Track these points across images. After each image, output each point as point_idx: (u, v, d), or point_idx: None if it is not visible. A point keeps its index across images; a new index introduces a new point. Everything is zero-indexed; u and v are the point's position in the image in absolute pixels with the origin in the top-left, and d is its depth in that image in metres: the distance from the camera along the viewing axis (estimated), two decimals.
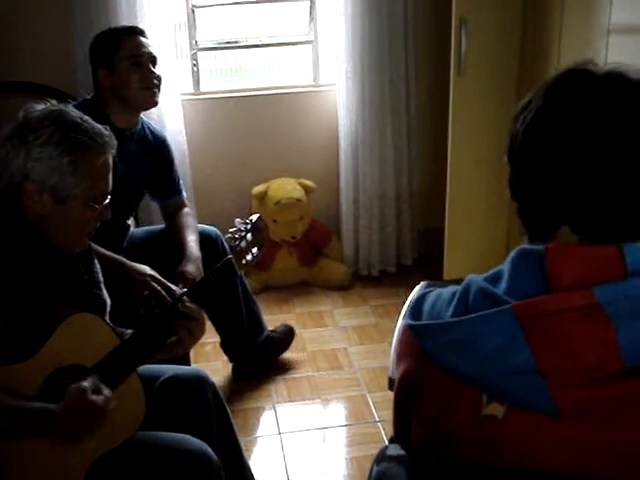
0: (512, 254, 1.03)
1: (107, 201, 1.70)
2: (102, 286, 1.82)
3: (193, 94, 3.84)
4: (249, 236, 1.94)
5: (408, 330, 1.07)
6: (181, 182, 2.90)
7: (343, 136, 3.72)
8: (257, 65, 4.01)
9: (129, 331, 1.81)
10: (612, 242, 0.98)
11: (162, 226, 2.89)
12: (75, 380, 1.52)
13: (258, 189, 3.75)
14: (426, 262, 3.92)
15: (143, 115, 2.71)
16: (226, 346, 3.05)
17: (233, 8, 3.84)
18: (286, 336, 3.17)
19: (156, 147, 2.75)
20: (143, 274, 2.39)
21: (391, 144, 3.72)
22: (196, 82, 3.84)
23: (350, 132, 3.70)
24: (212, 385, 1.96)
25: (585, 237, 1.01)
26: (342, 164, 3.78)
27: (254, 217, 2.00)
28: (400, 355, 1.13)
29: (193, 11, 3.73)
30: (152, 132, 2.75)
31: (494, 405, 0.98)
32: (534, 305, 0.96)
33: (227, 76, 3.99)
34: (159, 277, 2.40)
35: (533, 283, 0.98)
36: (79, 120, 1.64)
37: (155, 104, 2.62)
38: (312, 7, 3.80)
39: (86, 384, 1.50)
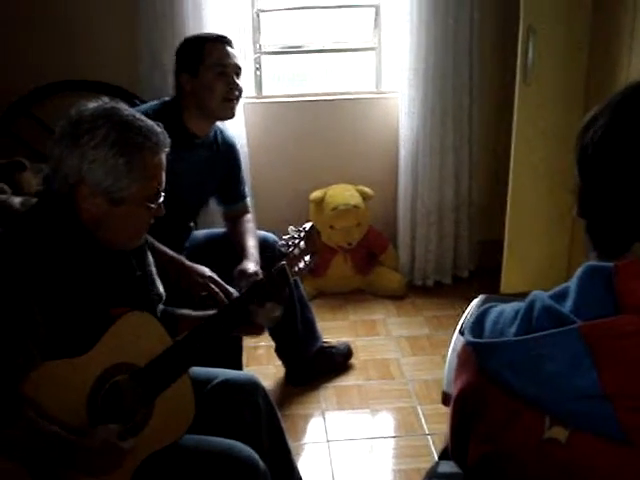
0: (579, 271, 0.99)
1: (162, 199, 1.68)
2: (156, 279, 1.83)
3: (255, 98, 3.85)
4: (302, 244, 1.93)
5: (469, 347, 1.04)
6: (247, 188, 2.90)
7: (403, 143, 3.69)
8: (319, 70, 4.00)
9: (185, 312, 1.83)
10: None
11: (223, 230, 2.90)
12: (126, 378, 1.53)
13: (316, 194, 3.74)
14: (483, 275, 3.85)
15: None
16: (280, 352, 3.05)
17: (298, 13, 3.84)
18: (343, 355, 3.15)
19: (226, 153, 2.76)
20: (202, 275, 2.41)
21: (452, 152, 3.67)
22: (258, 86, 3.85)
23: (411, 140, 3.67)
24: (263, 390, 1.95)
25: None
26: (401, 172, 3.75)
27: (307, 225, 1.99)
28: (459, 370, 1.09)
29: (258, 15, 3.74)
30: (223, 137, 2.76)
31: (557, 429, 0.94)
32: (601, 326, 0.91)
33: (289, 81, 3.99)
34: (217, 279, 2.41)
35: (601, 302, 0.94)
36: (133, 118, 1.61)
37: (232, 116, 2.62)
38: (377, 14, 3.78)
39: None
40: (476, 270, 3.95)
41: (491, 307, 1.08)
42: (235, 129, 3.61)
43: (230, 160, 2.77)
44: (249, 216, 2.84)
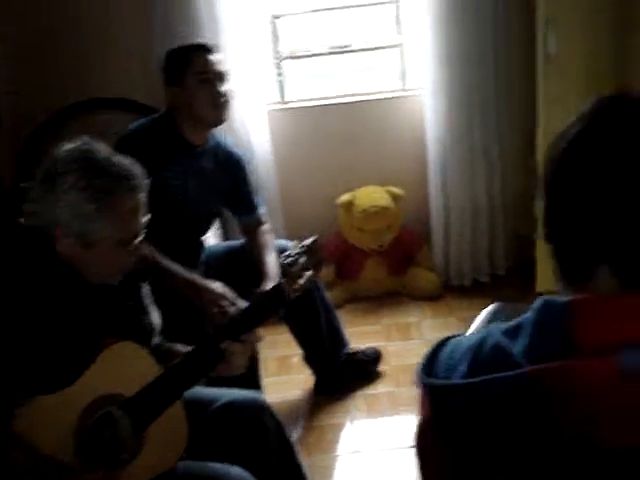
0: (535, 304, 0.91)
1: (139, 240, 1.66)
2: (150, 309, 1.81)
3: (279, 103, 3.83)
4: (302, 259, 1.89)
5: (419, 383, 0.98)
6: (259, 199, 2.87)
7: (431, 141, 3.61)
8: (343, 72, 3.95)
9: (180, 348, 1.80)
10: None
11: (241, 241, 2.88)
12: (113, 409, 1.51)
13: (343, 198, 3.69)
14: (521, 271, 3.73)
15: (227, 130, 2.70)
16: (308, 360, 3.02)
17: (316, 15, 3.79)
18: (372, 361, 3.10)
19: (231, 164, 2.74)
20: (213, 293, 2.38)
21: (480, 148, 3.57)
22: (281, 91, 3.83)
23: (438, 137, 3.58)
24: (270, 410, 1.92)
25: (626, 281, 0.88)
26: (431, 170, 3.67)
27: (308, 240, 1.95)
28: (420, 401, 1.04)
29: (275, 20, 3.71)
30: (227, 149, 2.74)
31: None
32: (550, 372, 0.83)
33: (313, 84, 3.95)
34: (230, 296, 2.38)
35: (556, 343, 0.86)
36: (107, 162, 1.59)
37: (223, 121, 2.61)
38: (398, 10, 3.70)
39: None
40: (514, 267, 3.84)
41: (449, 339, 1.02)
42: (260, 137, 3.60)
43: (235, 170, 2.75)
44: (265, 227, 2.81)
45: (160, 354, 1.78)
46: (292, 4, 3.73)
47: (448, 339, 1.03)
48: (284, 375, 3.13)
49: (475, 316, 3.52)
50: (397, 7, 3.70)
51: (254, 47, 3.56)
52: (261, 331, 1.85)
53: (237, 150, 2.82)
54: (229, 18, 3.42)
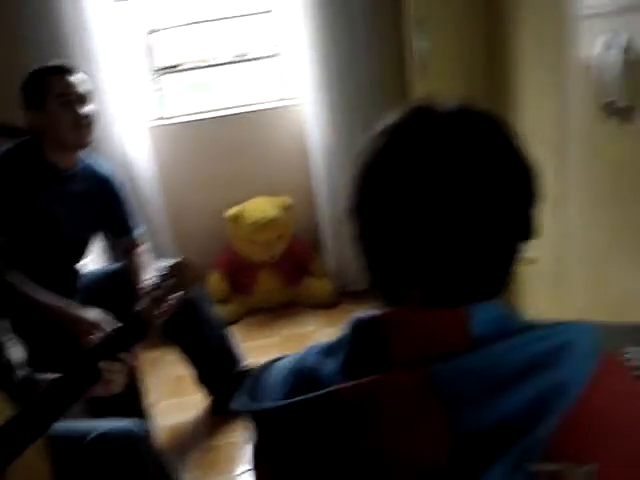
0: (347, 322, 0.90)
1: None
2: (8, 345, 1.72)
3: (160, 119, 3.75)
4: (166, 282, 1.83)
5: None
6: (136, 219, 2.79)
7: (315, 149, 3.60)
8: (224, 84, 3.90)
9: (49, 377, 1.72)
10: (460, 302, 0.84)
11: (120, 264, 2.79)
12: None
13: (231, 211, 3.64)
14: None
15: (107, 149, 2.61)
16: (202, 380, 2.95)
17: (194, 28, 3.73)
18: None
19: (102, 186, 2.65)
20: (86, 321, 2.30)
21: None
22: (161, 106, 3.75)
23: (322, 145, 3.57)
24: (148, 443, 1.84)
25: (431, 296, 0.86)
26: (316, 179, 3.66)
27: (172, 261, 1.89)
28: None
29: (152, 34, 3.63)
30: (98, 170, 2.65)
31: None
32: (361, 389, 0.81)
33: (194, 97, 3.88)
34: (105, 323, 2.30)
35: (371, 358, 0.84)
36: None
37: (88, 143, 2.51)
38: (273, 20, 3.68)
39: None
40: None
41: (275, 361, 0.99)
42: (140, 154, 3.52)
43: (107, 192, 2.67)
44: (142, 248, 2.74)
45: (26, 387, 1.69)
46: (167, 18, 3.66)
47: (273, 362, 1.00)
48: (179, 397, 3.05)
49: None
50: (271, 17, 3.67)
51: (130, 63, 3.48)
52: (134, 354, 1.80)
53: (109, 171, 2.73)
54: (103, 35, 3.32)
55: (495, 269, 0.88)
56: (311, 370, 0.88)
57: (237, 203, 3.67)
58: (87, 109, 2.47)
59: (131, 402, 2.50)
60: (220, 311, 3.16)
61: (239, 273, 3.73)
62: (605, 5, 1.97)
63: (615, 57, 1.86)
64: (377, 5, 3.45)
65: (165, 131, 3.70)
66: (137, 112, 3.50)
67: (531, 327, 0.84)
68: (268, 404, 0.88)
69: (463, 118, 0.87)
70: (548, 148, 2.46)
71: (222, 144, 3.74)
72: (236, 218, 3.63)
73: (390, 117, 0.89)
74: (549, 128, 2.42)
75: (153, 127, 3.64)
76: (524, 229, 0.89)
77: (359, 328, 0.87)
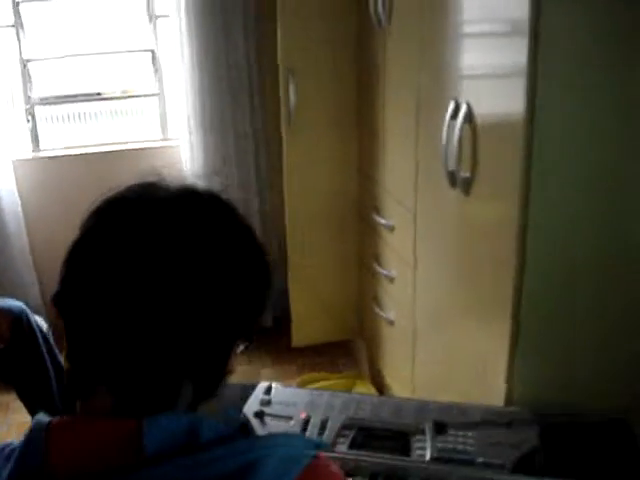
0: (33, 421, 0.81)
1: None
2: None
3: (31, 153, 3.60)
4: None
5: None
6: None
7: None
8: (101, 119, 3.78)
9: None
10: (143, 411, 0.77)
11: None
12: None
13: None
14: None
15: None
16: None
17: (73, 60, 3.60)
18: None
19: None
20: None
21: (239, 202, 3.49)
22: (34, 140, 3.60)
23: None
24: None
25: (120, 400, 0.78)
26: None
27: None
28: None
29: (26, 65, 3.49)
30: None
31: None
32: None
33: (68, 132, 3.74)
34: None
35: (33, 468, 0.75)
36: None
37: None
38: (154, 58, 3.60)
39: None
40: (283, 318, 3.78)
41: None
42: (7, 187, 3.36)
43: None
44: None
45: None
46: (44, 49, 3.53)
47: None
48: None
49: (239, 372, 3.48)
50: (153, 55, 3.59)
51: (3, 94, 3.34)
52: None
53: None
54: None
55: (192, 374, 0.81)
56: None
57: None
58: None
59: None
60: None
61: None
62: (450, 71, 1.98)
63: (457, 126, 1.86)
64: (261, 52, 3.41)
65: (36, 165, 3.55)
66: (5, 145, 3.35)
67: (221, 441, 0.77)
68: None
69: (182, 203, 0.80)
70: (405, 209, 2.45)
71: (99, 182, 3.56)
72: None
73: (109, 194, 0.82)
74: (407, 189, 2.41)
75: (23, 160, 3.49)
76: (242, 330, 0.83)
77: (33, 432, 0.78)
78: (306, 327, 3.19)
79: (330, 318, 3.23)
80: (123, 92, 3.68)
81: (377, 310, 2.86)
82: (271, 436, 0.80)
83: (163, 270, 0.76)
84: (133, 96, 3.71)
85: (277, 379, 3.37)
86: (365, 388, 3.18)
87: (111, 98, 3.69)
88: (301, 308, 3.15)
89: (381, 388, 3.14)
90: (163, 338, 0.76)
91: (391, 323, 2.75)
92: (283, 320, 3.73)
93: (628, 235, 1.74)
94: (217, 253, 0.79)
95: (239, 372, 3.22)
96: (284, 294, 3.50)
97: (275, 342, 3.57)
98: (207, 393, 0.83)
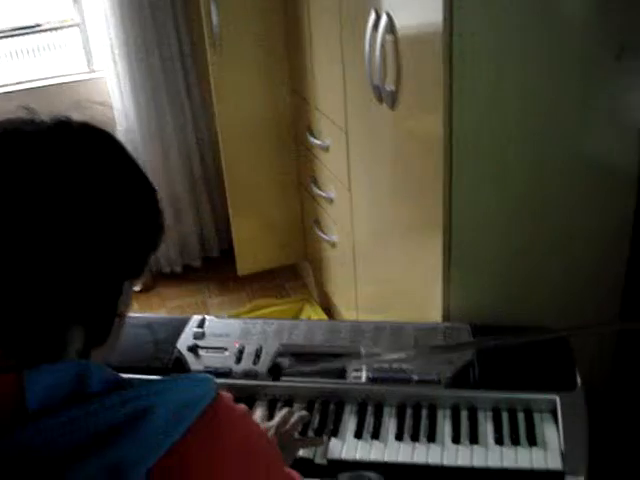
0: None
1: None
2: None
3: None
4: None
5: None
6: None
7: (121, 127, 3.38)
8: (23, 53, 3.59)
9: None
10: (29, 362, 0.72)
11: None
12: None
13: None
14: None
15: None
16: None
17: None
18: None
19: None
20: None
21: (175, 133, 3.41)
22: None
23: (128, 122, 3.37)
24: None
25: (3, 352, 0.73)
26: None
27: None
28: None
29: None
30: None
31: None
32: None
33: None
34: None
35: None
36: None
37: None
38: None
39: None
40: (229, 248, 3.74)
41: None
42: None
43: None
44: None
45: None
46: None
47: None
48: None
49: (185, 304, 3.46)
50: None
51: None
52: None
53: None
54: None
55: (78, 318, 0.76)
56: None
57: None
58: None
59: None
60: None
61: None
62: None
63: (379, 38, 1.79)
64: None
65: None
66: None
67: (114, 389, 0.73)
68: None
69: (50, 136, 0.75)
70: (338, 129, 2.39)
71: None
72: None
73: None
74: (337, 108, 2.35)
75: None
76: (130, 268, 0.78)
77: None
78: (251, 254, 3.15)
79: (274, 243, 3.19)
80: (40, 24, 3.50)
81: (319, 232, 2.83)
82: (162, 381, 0.75)
83: (30, 203, 0.71)
84: (53, 29, 3.52)
85: (227, 309, 3.36)
86: (313, 311, 3.18)
87: (28, 33, 3.50)
88: (244, 235, 3.10)
89: (329, 309, 3.14)
90: (37, 278, 0.71)
91: (333, 245, 2.73)
92: (230, 250, 3.70)
93: (557, 139, 1.72)
94: (91, 186, 0.74)
95: (189, 305, 3.24)
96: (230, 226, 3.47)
97: (223, 272, 3.54)
98: (98, 338, 0.79)
